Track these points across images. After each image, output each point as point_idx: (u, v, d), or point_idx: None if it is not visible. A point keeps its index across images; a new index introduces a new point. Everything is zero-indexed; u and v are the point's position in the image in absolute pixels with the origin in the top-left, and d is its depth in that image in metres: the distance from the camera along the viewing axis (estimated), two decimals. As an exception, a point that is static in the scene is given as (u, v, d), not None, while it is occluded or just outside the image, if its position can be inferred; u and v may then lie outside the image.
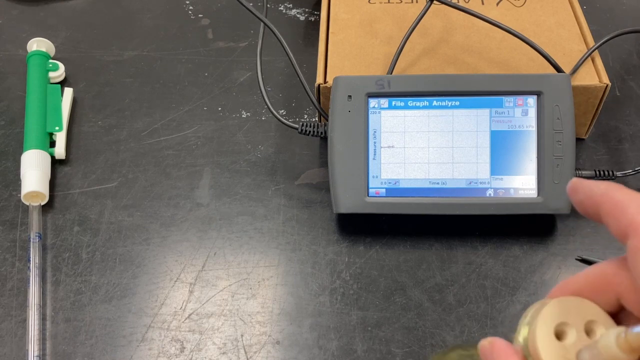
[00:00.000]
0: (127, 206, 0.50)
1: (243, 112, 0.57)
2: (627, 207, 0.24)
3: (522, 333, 0.25)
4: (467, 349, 0.32)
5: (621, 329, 0.22)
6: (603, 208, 0.25)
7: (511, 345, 0.26)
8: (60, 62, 0.60)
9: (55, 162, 0.53)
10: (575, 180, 0.26)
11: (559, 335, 0.25)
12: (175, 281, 0.46)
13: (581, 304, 0.25)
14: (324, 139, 0.52)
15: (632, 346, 0.22)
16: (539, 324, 0.25)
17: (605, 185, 0.25)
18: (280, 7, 0.67)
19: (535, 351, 0.24)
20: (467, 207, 0.46)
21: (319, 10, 0.57)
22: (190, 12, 0.67)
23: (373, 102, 0.47)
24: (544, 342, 0.24)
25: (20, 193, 0.49)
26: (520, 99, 0.46)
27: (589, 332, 0.25)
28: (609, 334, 0.23)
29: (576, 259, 0.46)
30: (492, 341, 0.26)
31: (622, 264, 0.25)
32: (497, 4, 0.56)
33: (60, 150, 0.53)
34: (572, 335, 0.25)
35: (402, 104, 0.47)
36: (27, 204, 0.49)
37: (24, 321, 0.44)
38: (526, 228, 0.48)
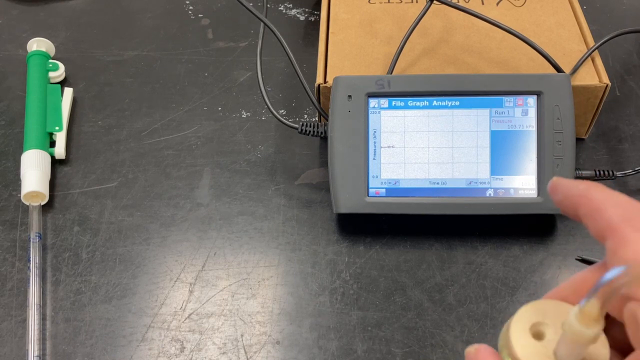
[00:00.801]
0: (127, 206, 0.50)
1: (243, 112, 0.57)
2: (605, 208, 0.23)
3: (501, 336, 0.26)
4: None
5: (577, 307, 0.22)
6: (582, 209, 0.25)
7: (496, 353, 0.26)
8: (60, 62, 0.60)
9: (55, 162, 0.53)
10: (555, 179, 0.26)
11: (538, 336, 0.25)
12: (175, 281, 0.46)
13: (558, 306, 0.25)
14: (324, 139, 0.52)
15: (589, 316, 0.22)
16: (513, 323, 0.25)
17: (584, 185, 0.25)
18: (280, 7, 0.67)
19: (511, 349, 0.24)
20: (467, 207, 0.46)
21: (319, 10, 0.57)
22: (190, 12, 0.67)
23: (373, 102, 0.47)
24: (519, 340, 0.24)
25: (20, 193, 0.49)
26: (520, 99, 0.46)
27: None
28: (569, 316, 0.23)
29: (576, 259, 0.46)
30: (478, 348, 0.26)
31: (603, 269, 0.25)
32: (497, 4, 0.56)
33: (60, 150, 0.53)
34: (550, 334, 0.25)
35: (402, 104, 0.47)
36: (27, 204, 0.49)
37: (24, 321, 0.44)
38: (526, 228, 0.48)
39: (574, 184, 0.25)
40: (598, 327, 0.22)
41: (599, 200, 0.24)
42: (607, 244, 0.23)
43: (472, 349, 0.26)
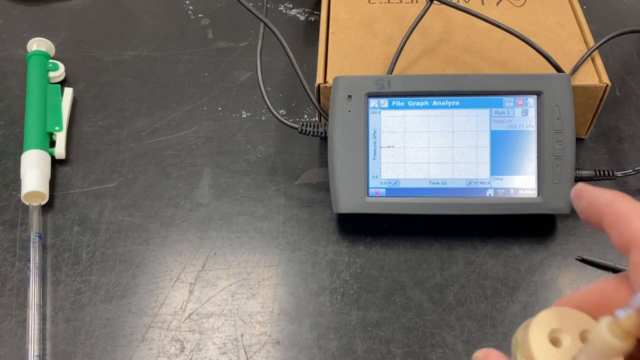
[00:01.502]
0: (127, 206, 0.50)
1: (243, 112, 0.57)
2: (632, 220, 0.23)
3: (517, 339, 0.25)
4: None
5: (610, 317, 0.22)
6: (607, 219, 0.24)
7: (505, 357, 0.25)
8: (60, 62, 0.60)
9: (55, 162, 0.53)
10: (580, 185, 0.26)
11: (554, 343, 0.25)
12: (175, 281, 0.46)
13: (576, 315, 0.25)
14: (324, 139, 0.52)
15: (626, 330, 0.21)
16: (532, 327, 0.25)
17: (610, 194, 0.24)
18: (280, 7, 0.67)
19: (530, 353, 0.24)
20: (467, 207, 0.46)
21: (319, 10, 0.57)
22: (190, 12, 0.67)
23: (373, 102, 0.47)
24: (538, 345, 0.24)
25: (20, 193, 0.49)
26: (520, 99, 0.46)
27: (584, 341, 0.25)
28: (599, 325, 0.22)
29: (576, 259, 0.46)
30: (487, 353, 0.26)
31: (623, 281, 0.24)
32: (497, 4, 0.56)
33: (60, 150, 0.53)
34: (567, 341, 0.24)
35: (402, 103, 0.47)
36: (27, 204, 0.49)
37: (24, 321, 0.44)
38: (526, 228, 0.48)
39: (600, 193, 0.25)
40: (631, 341, 0.22)
41: (626, 212, 0.23)
42: (631, 257, 0.23)
43: (480, 354, 0.26)
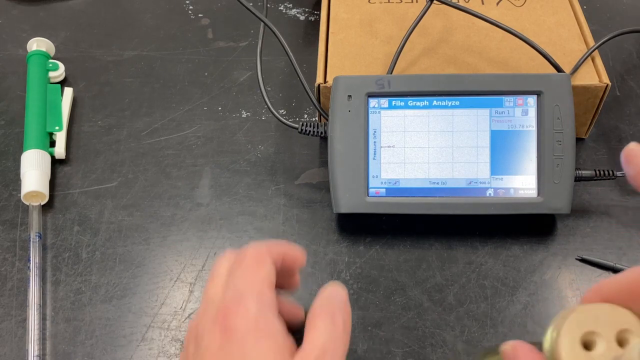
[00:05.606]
0: (127, 206, 0.50)
1: (243, 112, 0.57)
2: None
3: (548, 340, 0.24)
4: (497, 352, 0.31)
5: None
6: None
7: (535, 349, 0.25)
8: (60, 62, 0.60)
9: (55, 162, 0.53)
10: (632, 146, 0.23)
11: (588, 345, 0.24)
12: (175, 281, 0.46)
13: (613, 312, 0.24)
14: (324, 138, 0.52)
15: None
16: (563, 331, 0.23)
17: None
18: (280, 7, 0.67)
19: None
20: (467, 207, 0.46)
21: (319, 10, 0.57)
22: (190, 12, 0.67)
23: (373, 102, 0.47)
24: (568, 351, 0.23)
25: (20, 193, 0.49)
26: (520, 99, 0.46)
27: (622, 341, 0.24)
28: (633, 349, 0.21)
29: (576, 259, 0.46)
30: (515, 345, 0.25)
31: None
32: (497, 3, 0.56)
33: (60, 150, 0.53)
34: (602, 346, 0.23)
35: (402, 103, 0.47)
36: (27, 203, 0.49)
37: (24, 321, 0.44)
38: (526, 228, 0.48)
39: None
40: None
41: None
42: None
43: (508, 347, 0.25)
